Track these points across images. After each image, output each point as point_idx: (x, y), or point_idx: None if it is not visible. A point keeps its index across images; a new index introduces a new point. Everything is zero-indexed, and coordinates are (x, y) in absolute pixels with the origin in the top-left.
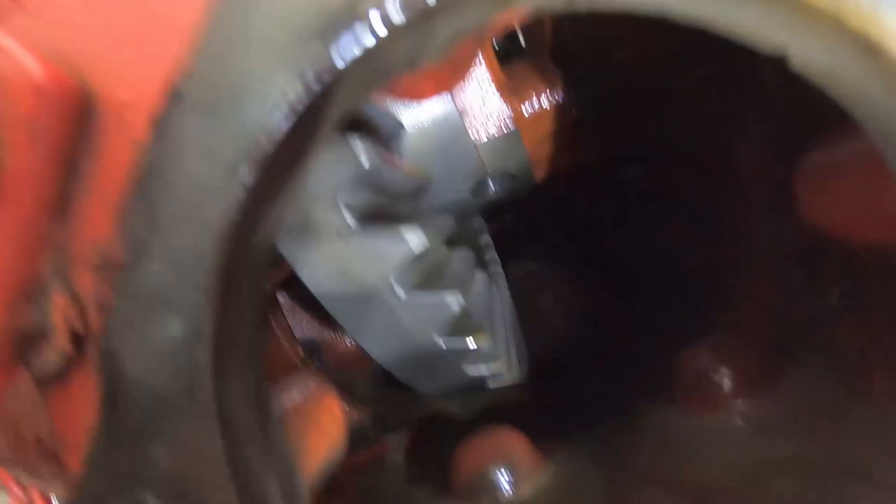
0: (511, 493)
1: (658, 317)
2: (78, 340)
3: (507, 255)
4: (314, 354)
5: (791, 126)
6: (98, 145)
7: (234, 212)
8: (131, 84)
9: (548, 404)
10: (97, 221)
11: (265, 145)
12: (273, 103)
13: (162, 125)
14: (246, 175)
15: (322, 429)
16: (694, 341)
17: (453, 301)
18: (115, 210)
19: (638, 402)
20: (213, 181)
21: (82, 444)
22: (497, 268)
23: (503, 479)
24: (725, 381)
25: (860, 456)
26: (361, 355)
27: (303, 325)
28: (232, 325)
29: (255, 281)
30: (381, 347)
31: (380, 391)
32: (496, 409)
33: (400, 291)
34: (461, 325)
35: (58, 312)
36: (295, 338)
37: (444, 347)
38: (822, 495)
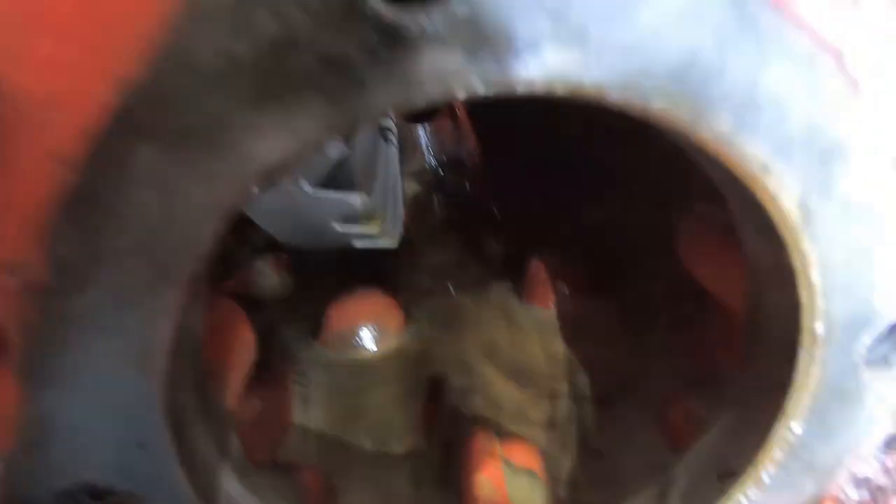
0: (376, 348)
1: (518, 219)
2: None
3: None
4: None
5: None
6: (4, 150)
7: (201, 257)
8: (56, 79)
9: (415, 271)
10: (5, 234)
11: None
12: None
13: (104, 151)
14: (217, 228)
15: (237, 342)
16: (544, 250)
17: (357, 200)
18: (30, 227)
19: (490, 286)
20: (183, 231)
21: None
22: (391, 135)
23: (370, 335)
24: (563, 285)
25: (633, 368)
26: None
27: None
28: (184, 344)
29: (207, 284)
30: (264, 212)
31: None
32: (367, 271)
33: (307, 188)
34: (360, 215)
35: None
36: None
37: (340, 231)
38: (598, 393)
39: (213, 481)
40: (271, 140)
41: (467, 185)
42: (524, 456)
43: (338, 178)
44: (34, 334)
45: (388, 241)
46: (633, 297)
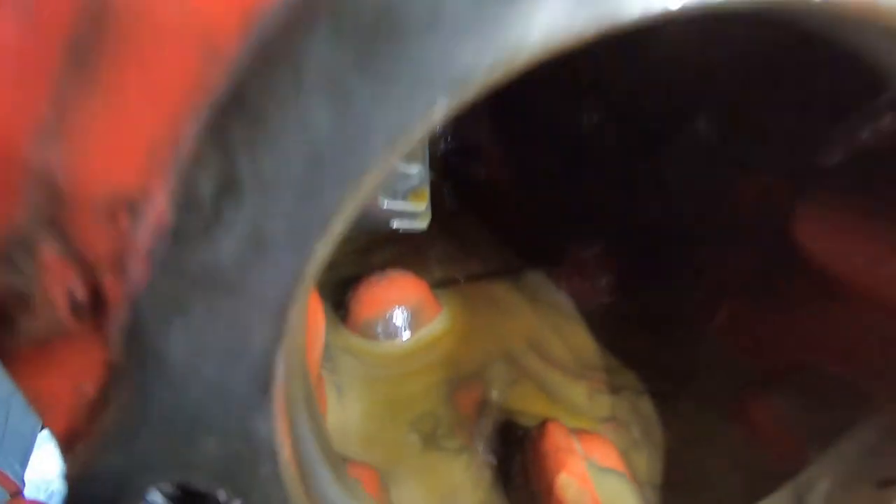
0: (409, 335)
1: (541, 207)
2: (78, 308)
3: None
4: None
5: None
6: (130, 39)
7: (363, 196)
8: None
9: (447, 256)
10: (117, 154)
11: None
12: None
13: (268, 43)
14: (391, 160)
15: (314, 326)
16: (583, 238)
17: (416, 171)
18: (161, 146)
19: (522, 274)
20: (352, 158)
21: (70, 409)
22: None
23: (402, 321)
24: (607, 280)
25: (684, 363)
26: None
27: None
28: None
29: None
30: None
31: None
32: (397, 254)
33: None
34: (410, 190)
35: (45, 274)
36: None
37: (385, 208)
38: (657, 388)
39: (319, 487)
40: (488, 46)
41: (482, 171)
42: (607, 454)
43: None
44: (141, 292)
45: (423, 223)
46: (685, 290)
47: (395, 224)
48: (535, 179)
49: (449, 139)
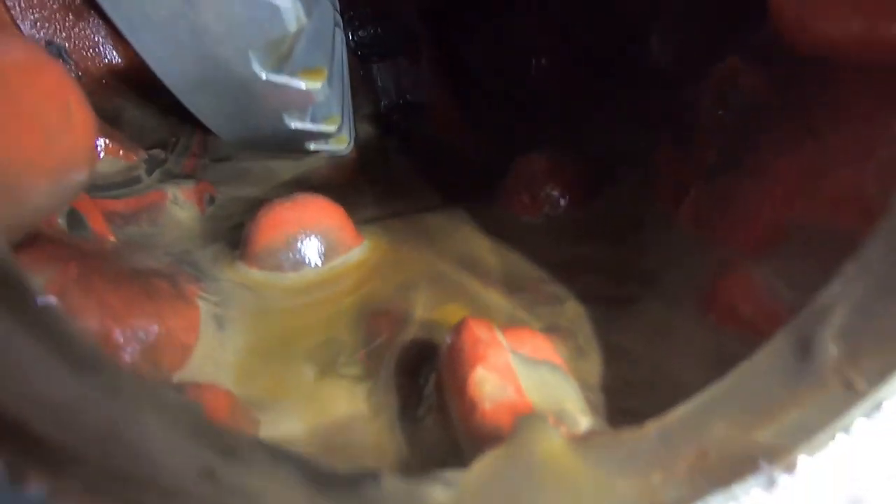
0: (321, 265)
1: (498, 120)
2: None
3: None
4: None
5: None
6: None
7: None
8: None
9: (371, 178)
10: None
11: None
12: None
13: None
14: None
15: (44, 123)
16: (529, 149)
17: (317, 88)
18: None
19: (461, 193)
20: None
21: None
22: (340, 31)
23: (315, 248)
24: (553, 187)
25: (648, 265)
26: (128, 65)
27: (33, 18)
28: None
29: None
30: (207, 103)
31: (159, 124)
32: (312, 177)
33: (261, 73)
34: (318, 109)
35: None
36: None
37: (293, 128)
38: (614, 293)
39: None
40: None
41: (429, 127)
42: (538, 346)
43: (295, 60)
44: None
45: (342, 146)
46: (636, 191)
47: (312, 146)
48: (482, 127)
49: (394, 97)
